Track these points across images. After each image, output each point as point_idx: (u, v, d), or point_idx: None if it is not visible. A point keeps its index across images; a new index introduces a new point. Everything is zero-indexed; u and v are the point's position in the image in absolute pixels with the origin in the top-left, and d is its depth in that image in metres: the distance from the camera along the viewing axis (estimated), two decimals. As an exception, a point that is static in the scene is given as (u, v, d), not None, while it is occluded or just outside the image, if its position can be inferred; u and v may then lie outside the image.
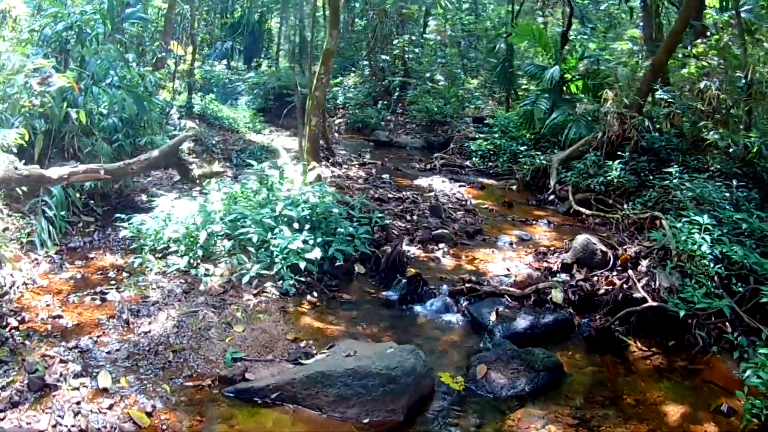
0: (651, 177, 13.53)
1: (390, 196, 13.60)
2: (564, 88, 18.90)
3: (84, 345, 6.31)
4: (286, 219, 8.83)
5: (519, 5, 24.47)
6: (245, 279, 7.99)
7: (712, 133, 12.65)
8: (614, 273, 9.42)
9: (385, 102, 27.32)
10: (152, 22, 20.40)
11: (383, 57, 28.41)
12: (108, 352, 6.30)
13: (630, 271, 9.04)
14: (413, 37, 28.76)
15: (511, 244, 11.37)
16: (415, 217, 12.04)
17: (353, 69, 30.66)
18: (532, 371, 6.73)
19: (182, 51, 19.68)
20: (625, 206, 12.59)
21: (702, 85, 12.88)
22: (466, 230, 11.51)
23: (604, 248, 10.09)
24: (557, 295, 8.57)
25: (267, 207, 9.11)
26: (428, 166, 19.11)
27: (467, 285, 8.69)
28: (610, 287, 8.88)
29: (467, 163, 19.75)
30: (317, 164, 12.11)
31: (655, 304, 8.12)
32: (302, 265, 8.09)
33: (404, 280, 8.68)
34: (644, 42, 18.85)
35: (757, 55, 13.24)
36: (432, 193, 14.75)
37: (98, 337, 6.53)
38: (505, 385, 6.54)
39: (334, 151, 18.68)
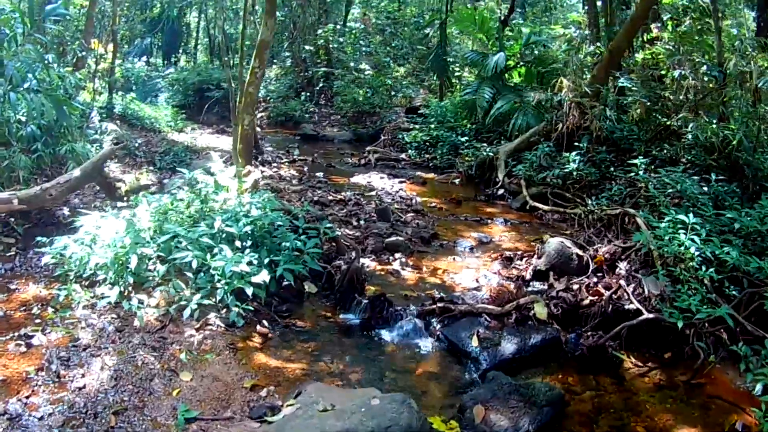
0: (612, 169, 12.96)
1: (330, 198, 12.62)
2: (506, 76, 18.24)
3: (13, 410, 5.15)
4: (225, 236, 7.81)
5: None
6: (186, 312, 6.92)
7: (691, 125, 12.14)
8: (594, 280, 8.68)
9: (309, 93, 26.70)
10: (74, 20, 19.57)
11: (306, 47, 27.70)
12: (41, 418, 5.15)
13: (621, 281, 8.30)
14: (337, 26, 28.07)
15: (471, 249, 10.50)
16: (362, 222, 11.08)
17: (275, 61, 29.96)
18: (534, 407, 5.81)
19: (103, 49, 18.62)
20: (589, 201, 11.98)
21: (676, 73, 12.32)
22: (420, 235, 10.60)
23: (579, 252, 9.38)
24: (541, 311, 7.69)
25: (203, 222, 8.06)
26: (362, 161, 18.24)
27: (439, 304, 7.71)
28: (596, 298, 8.18)
29: (403, 156, 18.94)
30: (252, 167, 11.06)
31: (651, 316, 7.40)
32: (249, 291, 7.09)
33: (365, 301, 7.68)
34: (588, 27, 18.39)
35: (729, 44, 12.85)
36: (374, 192, 13.89)
37: (27, 397, 5.36)
38: (508, 427, 5.60)
39: (261, 148, 17.65)
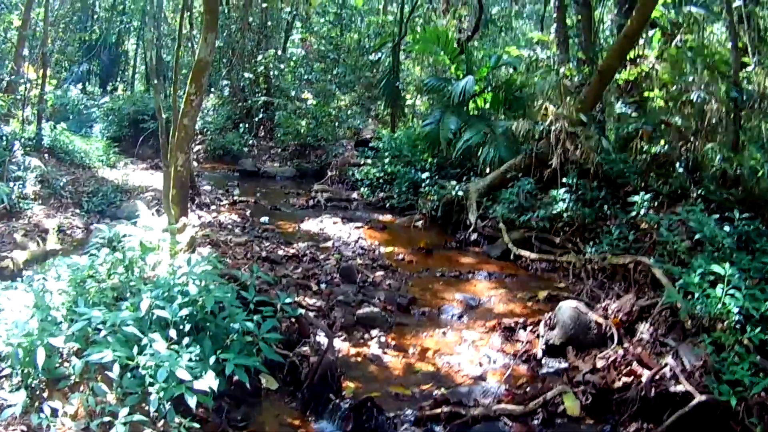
0: (606, 208, 11.63)
1: (281, 252, 10.95)
2: (470, 104, 16.90)
3: None
4: (156, 320, 6.14)
5: (410, 10, 22.08)
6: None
7: (717, 155, 10.89)
8: (621, 352, 7.25)
9: (248, 125, 25.24)
10: (5, 41, 18.69)
11: (245, 75, 26.27)
12: None
13: (669, 359, 6.86)
14: (279, 52, 26.75)
15: (460, 316, 8.85)
16: (323, 286, 9.34)
17: (212, 89, 28.49)
18: None
19: (34, 74, 17.23)
20: (587, 248, 10.65)
21: (694, 96, 10.96)
22: (396, 301, 8.96)
23: (598, 319, 7.97)
24: (572, 405, 6.18)
25: (128, 302, 6.39)
26: (310, 203, 16.52)
27: (444, 408, 6.02)
28: (631, 378, 6.76)
29: (354, 195, 17.38)
30: (187, 219, 9.32)
31: (704, 398, 5.99)
32: (192, 401, 5.44)
33: (345, 406, 5.96)
34: (557, 46, 17.15)
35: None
36: (330, 243, 12.27)
37: None
38: None
39: (198, 188, 15.91)
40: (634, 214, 10.56)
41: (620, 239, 10.42)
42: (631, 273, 9.47)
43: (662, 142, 11.67)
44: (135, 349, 5.61)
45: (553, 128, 12.13)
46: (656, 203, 10.95)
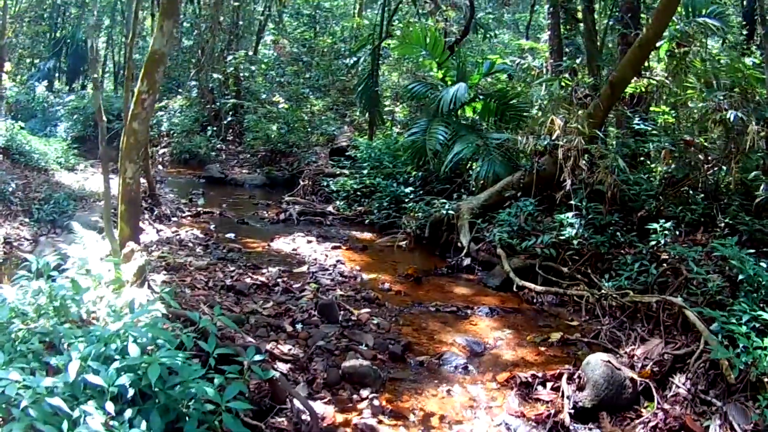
0: (619, 235, 10.30)
1: (249, 280, 9.43)
2: (458, 113, 15.44)
3: None
4: (90, 388, 4.65)
5: (391, 12, 20.31)
6: None
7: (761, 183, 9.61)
8: (661, 415, 6.11)
9: (216, 128, 24.05)
10: None
11: (215, 76, 24.83)
12: None
13: (715, 421, 5.76)
14: (250, 53, 25.34)
15: (465, 367, 7.24)
16: (299, 326, 7.66)
17: (180, 90, 27.25)
18: None
19: None
20: (604, 282, 9.30)
21: (731, 115, 9.48)
22: (388, 348, 7.44)
23: (631, 374, 6.66)
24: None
25: (56, 359, 4.85)
26: (281, 216, 14.99)
27: None
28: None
29: (330, 208, 15.89)
30: (138, 242, 7.71)
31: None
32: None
33: None
34: (550, 55, 15.84)
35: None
36: (305, 268, 10.76)
37: None
38: None
39: (158, 198, 14.36)
40: (653, 243, 9.28)
41: (640, 273, 9.09)
42: (658, 314, 8.16)
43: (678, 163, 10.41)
44: (65, 426, 4.14)
45: (560, 144, 10.75)
46: (677, 232, 9.68)
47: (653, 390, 6.55)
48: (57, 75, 31.77)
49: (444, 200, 12.86)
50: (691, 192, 10.60)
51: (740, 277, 7.49)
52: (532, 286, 9.89)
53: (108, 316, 5.48)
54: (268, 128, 21.47)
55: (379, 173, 15.86)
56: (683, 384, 6.58)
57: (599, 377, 6.49)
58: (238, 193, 18.57)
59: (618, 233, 10.18)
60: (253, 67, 25.39)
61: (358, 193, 15.85)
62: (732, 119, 9.45)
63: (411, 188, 14.55)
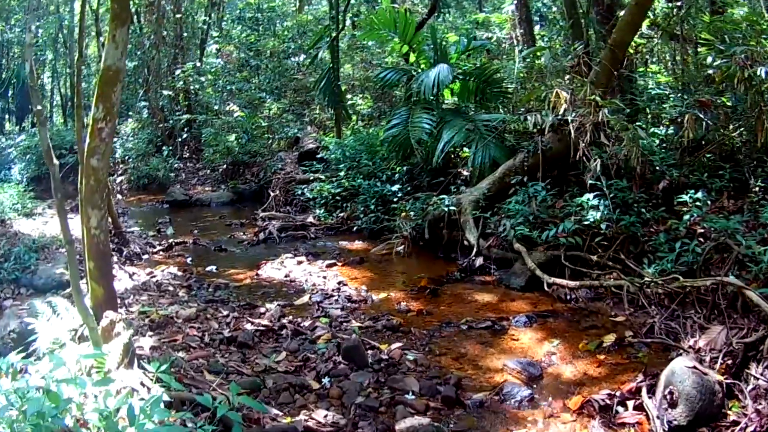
0: (644, 211, 9.34)
1: (249, 326, 8.08)
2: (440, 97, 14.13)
3: None
4: None
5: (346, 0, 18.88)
6: None
7: None
8: (754, 417, 5.35)
9: (171, 147, 22.80)
10: None
11: (164, 93, 23.62)
12: None
13: None
14: (197, 65, 24.13)
15: (531, 399, 6.13)
16: (326, 381, 6.40)
17: (130, 113, 26.11)
18: None
19: None
20: (646, 268, 8.33)
21: (762, 71, 8.52)
22: (437, 391, 6.24)
23: (718, 377, 5.77)
24: None
25: None
26: (261, 235, 13.61)
27: None
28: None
29: (310, 219, 14.67)
30: (113, 306, 6.40)
31: None
32: None
33: None
34: (519, 25, 14.79)
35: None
36: (307, 298, 9.57)
37: None
38: None
39: (125, 235, 13.01)
40: (687, 218, 8.33)
41: (693, 254, 8.13)
42: (713, 298, 7.25)
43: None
44: None
45: (569, 118, 9.73)
46: (707, 202, 8.76)
47: (733, 386, 5.84)
48: (6, 116, 31.21)
49: (441, 195, 11.78)
50: (712, 157, 9.70)
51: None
52: (564, 282, 8.81)
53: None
54: (227, 140, 20.27)
55: (358, 173, 14.71)
56: (762, 375, 5.82)
57: (691, 389, 5.53)
58: (206, 214, 17.29)
59: (644, 210, 9.23)
60: (202, 79, 24.13)
61: (338, 197, 14.68)
62: (764, 75, 8.47)
63: (397, 186, 13.41)
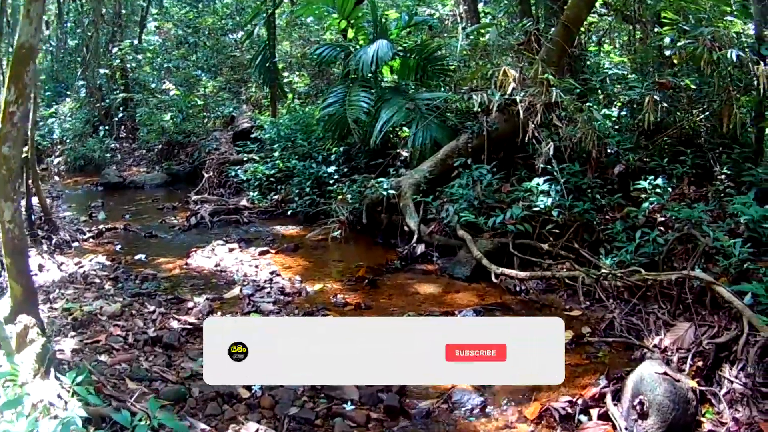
0: (599, 198, 8.60)
1: (176, 324, 7.06)
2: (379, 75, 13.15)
3: None
4: None
5: None
6: None
7: None
8: (732, 426, 4.85)
9: (108, 128, 21.50)
10: None
11: (101, 72, 22.24)
12: None
13: None
14: (135, 42, 22.94)
15: (483, 408, 5.26)
16: (256, 388, 5.60)
17: (68, 93, 24.47)
18: None
19: None
20: (602, 259, 7.60)
21: (731, 53, 7.83)
22: (379, 399, 5.30)
23: (691, 383, 5.17)
24: None
25: None
26: (192, 220, 12.50)
27: None
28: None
29: (243, 202, 13.61)
30: (33, 306, 5.42)
31: None
32: None
33: None
34: (461, 3, 13.93)
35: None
36: (237, 290, 8.67)
37: None
38: None
39: (55, 221, 11.82)
40: (647, 205, 7.63)
41: (645, 243, 7.44)
42: (678, 293, 6.57)
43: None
44: None
45: (518, 98, 8.94)
46: (668, 189, 8.07)
47: (705, 391, 5.27)
48: None
49: (379, 178, 10.90)
50: (671, 142, 9.02)
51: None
52: (513, 272, 7.95)
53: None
54: (162, 119, 19.09)
55: (293, 154, 13.68)
56: (736, 377, 5.25)
57: (663, 398, 4.92)
58: (139, 197, 16.12)
59: (598, 196, 8.50)
60: (139, 57, 22.89)
61: (272, 179, 13.63)
62: (734, 58, 7.77)
63: (334, 167, 12.45)
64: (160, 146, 19.52)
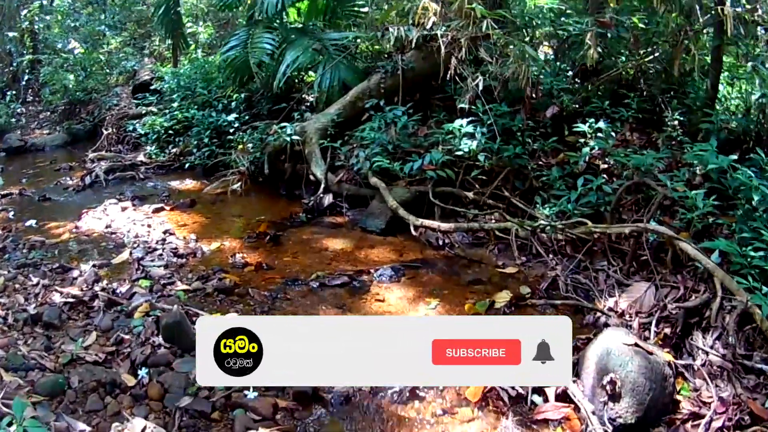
0: (531, 142, 7.41)
1: (58, 298, 5.52)
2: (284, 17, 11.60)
3: None
4: None
5: None
6: None
7: None
8: (716, 405, 3.96)
9: (15, 92, 19.53)
10: None
11: (10, 35, 20.28)
12: None
13: None
14: (44, 2, 20.77)
15: (413, 390, 4.46)
16: (143, 374, 3.91)
17: None
18: None
19: None
20: (540, 209, 6.42)
21: None
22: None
23: (665, 355, 4.24)
24: None
25: None
26: (87, 179, 10.82)
27: None
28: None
29: (141, 157, 11.95)
30: None
31: None
32: None
33: None
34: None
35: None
36: (127, 253, 7.16)
37: None
38: None
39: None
40: (587, 150, 6.47)
41: (588, 192, 6.29)
42: (633, 248, 5.46)
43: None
44: None
45: (440, 33, 7.62)
46: (612, 133, 6.96)
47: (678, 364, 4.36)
48: None
49: (282, 124, 9.49)
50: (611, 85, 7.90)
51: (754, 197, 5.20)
52: (435, 224, 6.67)
53: None
54: (65, 78, 17.36)
55: (192, 104, 12.12)
56: (712, 348, 4.42)
57: (637, 375, 3.94)
58: (39, 159, 14.24)
59: (530, 140, 7.31)
60: (48, 18, 20.91)
61: (171, 131, 12.04)
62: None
63: (234, 115, 10.91)
64: (62, 106, 17.70)
